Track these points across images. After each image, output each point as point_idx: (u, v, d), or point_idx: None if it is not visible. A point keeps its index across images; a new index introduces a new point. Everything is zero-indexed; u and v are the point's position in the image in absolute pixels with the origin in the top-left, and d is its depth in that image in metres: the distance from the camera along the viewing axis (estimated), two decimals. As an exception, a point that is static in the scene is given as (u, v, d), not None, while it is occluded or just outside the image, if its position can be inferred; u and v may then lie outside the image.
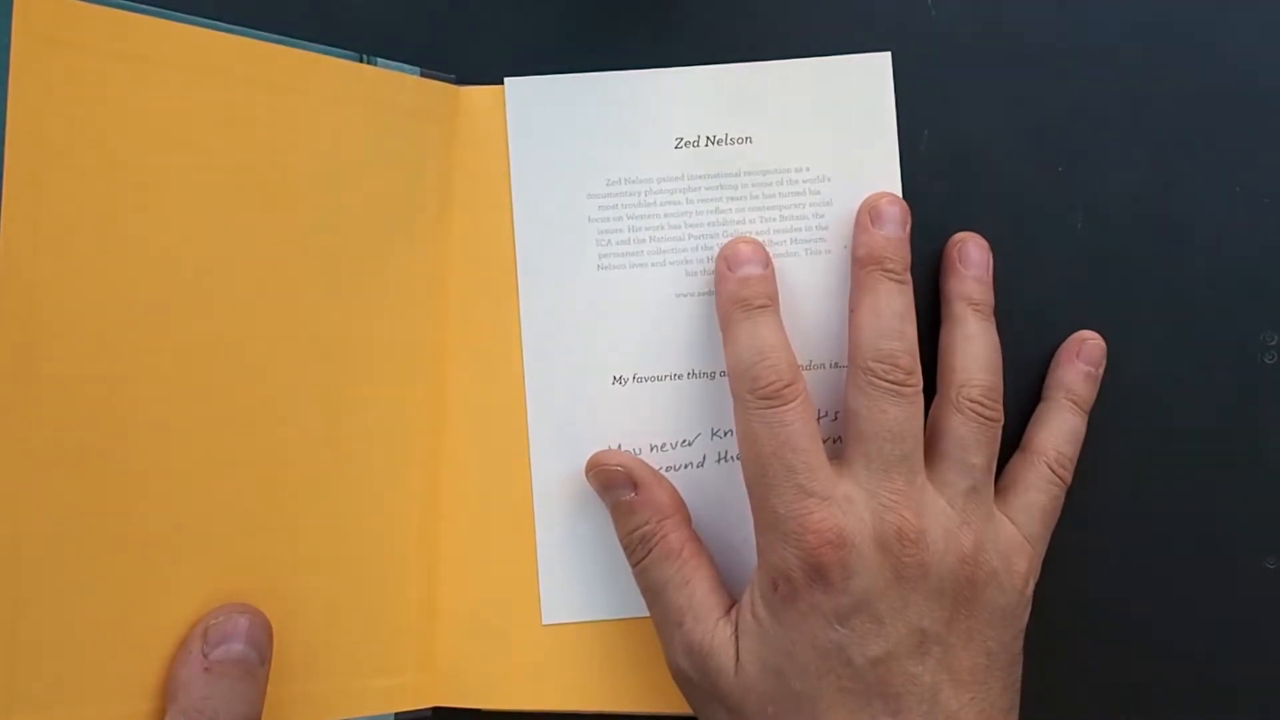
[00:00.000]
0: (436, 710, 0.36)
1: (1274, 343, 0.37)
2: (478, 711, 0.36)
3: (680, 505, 0.35)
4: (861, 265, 0.35)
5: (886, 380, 0.33)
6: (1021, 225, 0.37)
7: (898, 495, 0.32)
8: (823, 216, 0.36)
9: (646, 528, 0.34)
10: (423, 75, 0.36)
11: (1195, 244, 0.37)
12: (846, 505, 0.32)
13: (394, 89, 0.36)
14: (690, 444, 0.36)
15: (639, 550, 0.34)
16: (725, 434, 0.36)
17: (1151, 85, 0.37)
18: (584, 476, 0.36)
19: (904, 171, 0.37)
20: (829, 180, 0.36)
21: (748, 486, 0.33)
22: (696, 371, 0.36)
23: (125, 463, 0.31)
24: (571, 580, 0.36)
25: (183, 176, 0.32)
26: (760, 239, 0.36)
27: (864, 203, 0.36)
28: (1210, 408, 0.37)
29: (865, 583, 0.31)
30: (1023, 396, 0.37)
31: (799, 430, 0.32)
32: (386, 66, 0.35)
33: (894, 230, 0.35)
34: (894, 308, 0.34)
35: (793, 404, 0.32)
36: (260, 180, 0.33)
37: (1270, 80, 0.37)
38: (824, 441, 0.33)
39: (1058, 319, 0.37)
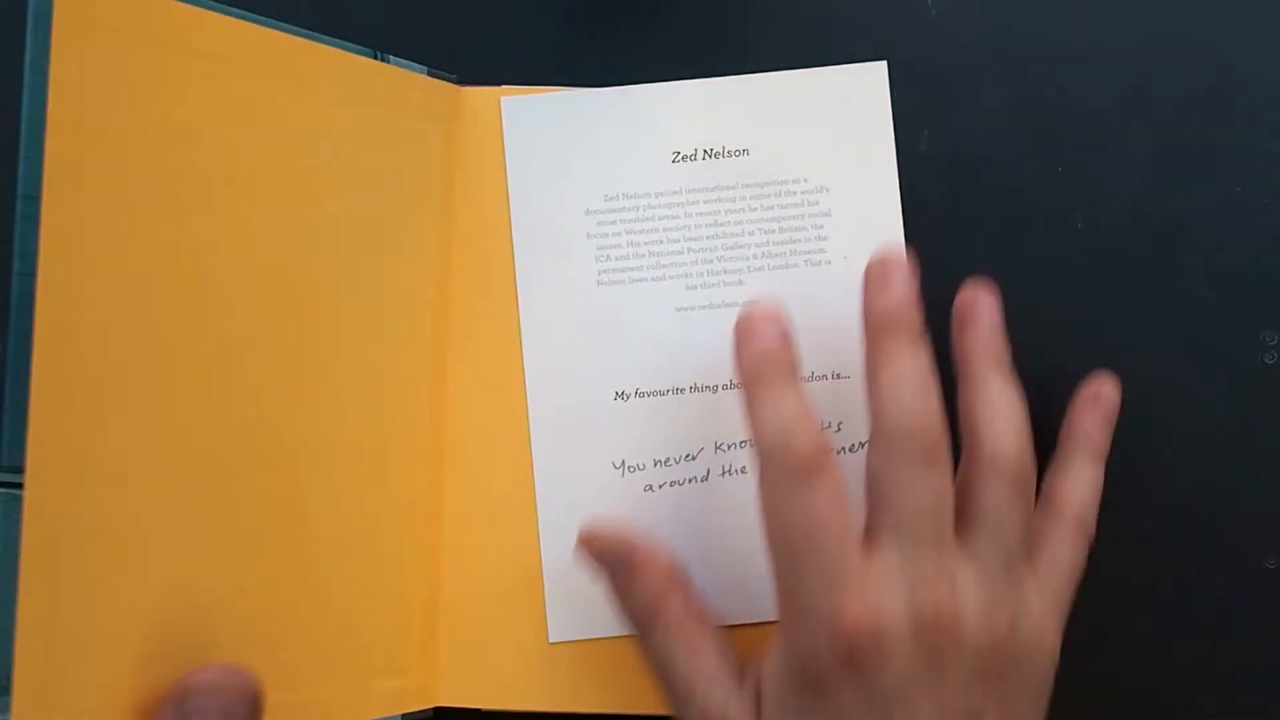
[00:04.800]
0: (438, 710, 0.36)
1: (1274, 343, 0.37)
2: (478, 712, 0.36)
3: (680, 572, 0.34)
4: (875, 333, 0.32)
5: (917, 454, 0.31)
6: (1021, 225, 0.37)
7: (932, 574, 0.30)
8: (822, 227, 0.36)
9: (647, 600, 0.33)
10: (429, 74, 0.36)
11: (1195, 244, 0.37)
12: (880, 590, 0.30)
13: (405, 87, 0.35)
14: (694, 458, 0.36)
15: (641, 623, 0.33)
16: (729, 448, 0.36)
17: (1151, 85, 0.37)
18: (576, 550, 0.34)
19: (904, 172, 0.36)
20: (827, 190, 0.36)
21: (772, 561, 0.31)
22: (699, 385, 0.36)
23: (127, 460, 0.31)
24: (577, 598, 0.36)
25: (210, 165, 0.32)
26: (759, 250, 0.36)
27: (869, 264, 0.33)
28: (1210, 408, 0.37)
29: (901, 669, 0.29)
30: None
31: (829, 508, 0.30)
32: (398, 64, 0.35)
33: (902, 290, 0.32)
34: (916, 373, 0.31)
35: (822, 480, 0.30)
36: (277, 173, 0.33)
37: (1270, 80, 0.37)
38: (830, 451, 0.32)
39: (1058, 319, 0.37)
